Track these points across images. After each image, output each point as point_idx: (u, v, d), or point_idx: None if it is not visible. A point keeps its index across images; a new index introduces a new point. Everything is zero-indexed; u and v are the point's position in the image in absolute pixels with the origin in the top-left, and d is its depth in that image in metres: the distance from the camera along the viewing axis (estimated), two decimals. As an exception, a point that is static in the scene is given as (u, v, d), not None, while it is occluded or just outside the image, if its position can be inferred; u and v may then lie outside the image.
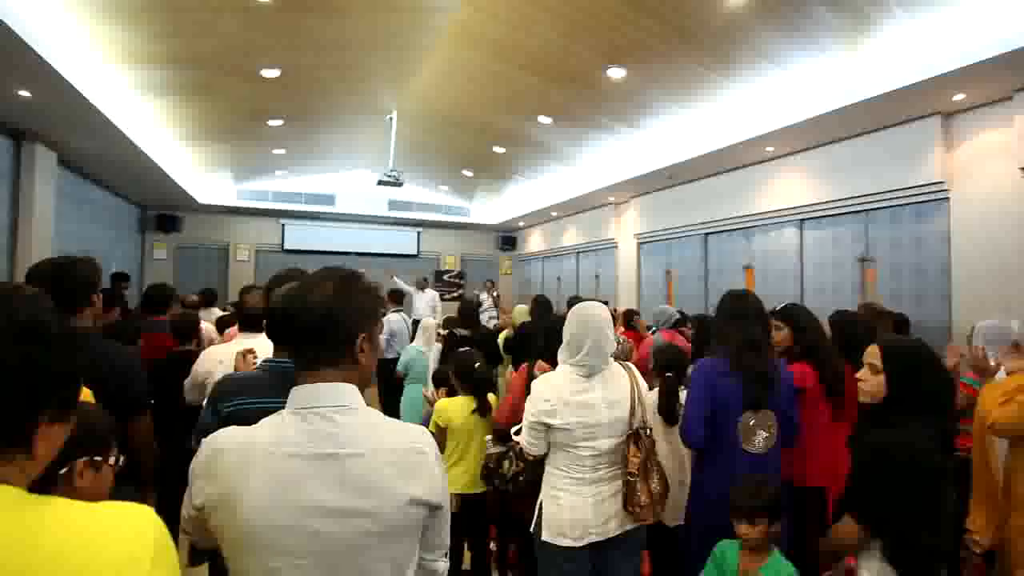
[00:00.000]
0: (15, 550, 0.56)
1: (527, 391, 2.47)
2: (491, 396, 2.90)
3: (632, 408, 1.98)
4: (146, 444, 1.87)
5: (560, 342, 2.23)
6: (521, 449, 2.32)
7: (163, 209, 10.66)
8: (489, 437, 2.62)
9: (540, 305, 4.73)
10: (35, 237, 5.95)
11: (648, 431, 2.00)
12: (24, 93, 4.71)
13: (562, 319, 2.87)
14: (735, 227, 7.10)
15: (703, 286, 7.64)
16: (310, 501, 0.90)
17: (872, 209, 5.40)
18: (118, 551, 0.60)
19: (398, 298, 6.58)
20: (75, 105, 4.98)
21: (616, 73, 5.36)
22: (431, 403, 2.95)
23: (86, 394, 1.48)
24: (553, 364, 2.52)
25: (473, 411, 2.73)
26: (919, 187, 4.89)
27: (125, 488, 1.77)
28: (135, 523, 0.64)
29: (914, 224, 5.06)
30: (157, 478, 2.11)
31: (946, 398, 1.61)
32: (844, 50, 4.43)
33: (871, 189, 5.28)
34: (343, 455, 0.93)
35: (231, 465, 0.92)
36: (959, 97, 4.40)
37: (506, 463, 2.35)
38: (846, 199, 5.57)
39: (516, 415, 2.49)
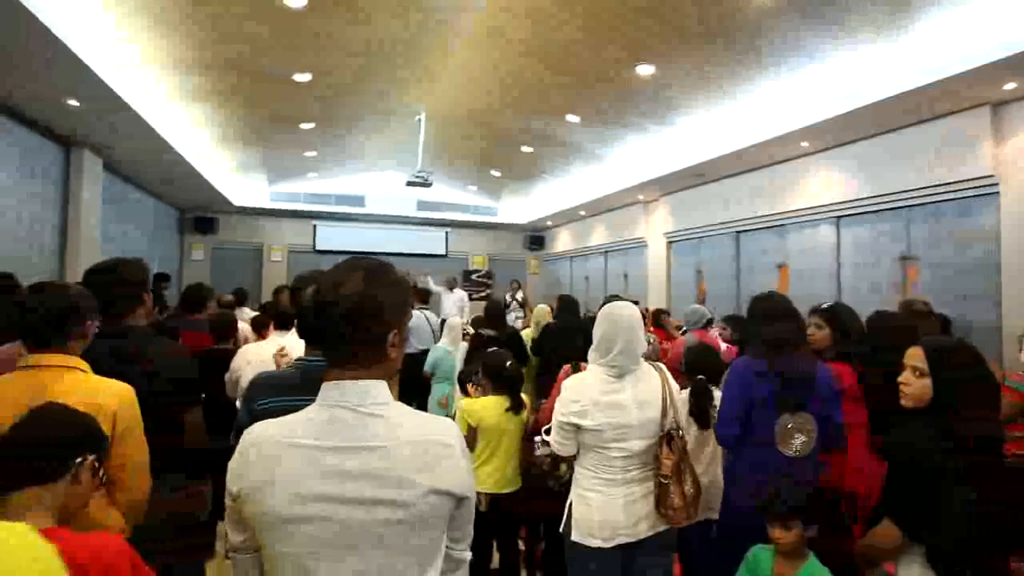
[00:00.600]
0: None
1: None
2: (523, 396, 2.90)
3: (664, 409, 1.95)
4: (194, 442, 1.93)
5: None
6: None
7: (200, 211, 11.01)
8: (539, 438, 2.61)
9: (564, 305, 4.68)
10: (83, 238, 6.22)
11: (680, 432, 1.97)
12: (73, 102, 4.93)
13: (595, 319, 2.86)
14: (768, 225, 6.94)
15: (735, 285, 7.49)
16: (335, 492, 0.92)
17: (914, 205, 5.19)
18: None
19: (424, 297, 6.65)
20: (120, 112, 5.19)
21: (645, 70, 5.29)
22: (444, 406, 2.94)
23: (121, 390, 1.52)
24: None
25: (507, 409, 2.73)
26: (967, 181, 4.68)
27: (173, 477, 1.85)
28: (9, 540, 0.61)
29: (960, 220, 4.85)
30: (204, 470, 2.18)
31: (950, 398, 1.52)
32: (884, 40, 4.27)
33: (913, 184, 5.09)
34: (367, 447, 0.95)
35: (260, 457, 0.95)
36: (1010, 86, 4.19)
37: (563, 466, 2.34)
38: (886, 195, 5.37)
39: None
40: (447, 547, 1.06)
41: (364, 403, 0.97)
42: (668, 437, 1.92)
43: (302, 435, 0.96)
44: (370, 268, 1.02)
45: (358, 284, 0.99)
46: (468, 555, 1.11)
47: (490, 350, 3.12)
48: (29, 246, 5.51)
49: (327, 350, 1.03)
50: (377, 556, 0.93)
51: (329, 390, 0.99)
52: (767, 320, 2.18)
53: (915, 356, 1.61)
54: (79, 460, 1.17)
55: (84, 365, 1.51)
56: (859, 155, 5.65)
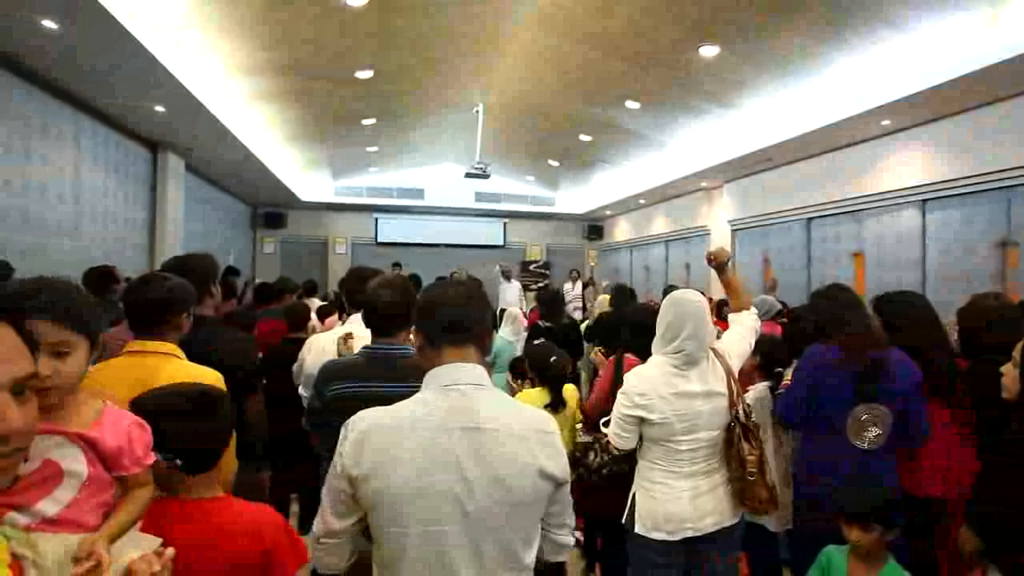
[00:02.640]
0: None
1: (615, 381, 2.44)
2: (571, 387, 2.86)
3: (731, 399, 1.88)
4: (254, 430, 2.03)
5: (645, 334, 2.17)
6: (607, 442, 2.29)
7: (271, 207, 11.60)
8: (579, 425, 2.60)
9: (619, 293, 4.59)
10: (168, 235, 6.71)
11: (753, 422, 1.91)
12: (160, 108, 5.31)
13: (645, 309, 2.80)
14: (843, 210, 6.52)
15: (806, 275, 7.11)
16: (455, 471, 0.99)
17: (1016, 185, 4.72)
18: None
19: None
20: (200, 117, 5.53)
21: (709, 51, 5.07)
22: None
23: (215, 377, 1.63)
24: (641, 356, 2.47)
25: (546, 406, 2.70)
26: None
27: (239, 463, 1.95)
28: None
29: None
30: (272, 454, 2.31)
31: None
32: (986, 5, 3.88)
33: (1015, 162, 4.62)
34: (482, 429, 1.02)
35: (381, 439, 1.01)
36: None
37: (591, 454, 2.33)
38: (981, 175, 4.91)
39: (604, 405, 2.47)
40: (550, 532, 1.12)
41: (475, 386, 1.06)
42: (746, 430, 1.86)
43: (422, 417, 1.02)
44: (474, 282, 1.19)
45: (468, 288, 1.15)
46: (571, 540, 1.17)
47: (536, 343, 3.11)
48: (123, 243, 6.00)
49: (448, 339, 1.11)
50: (492, 532, 0.99)
51: (441, 373, 1.07)
52: (836, 313, 2.10)
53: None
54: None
55: (180, 352, 1.63)
56: (949, 132, 5.20)
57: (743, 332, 2.11)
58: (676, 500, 1.84)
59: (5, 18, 3.52)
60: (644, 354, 2.51)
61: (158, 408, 1.14)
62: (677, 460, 1.86)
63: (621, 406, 1.91)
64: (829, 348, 2.07)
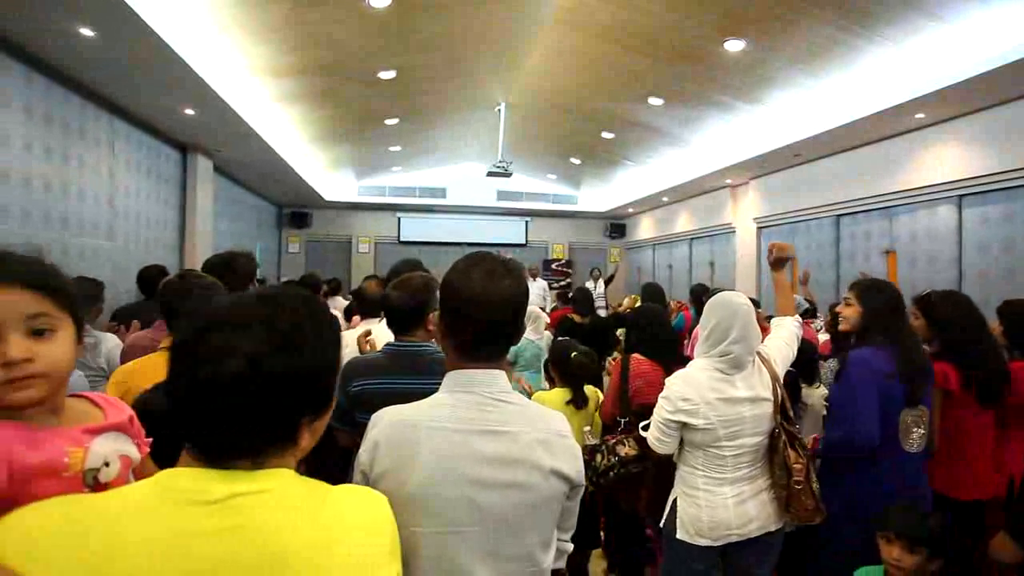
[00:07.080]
0: (312, 523, 0.66)
1: (622, 383, 2.43)
2: (590, 388, 2.84)
3: (776, 404, 1.85)
4: None
5: (647, 336, 2.14)
6: (615, 444, 2.28)
7: (296, 207, 11.80)
8: (587, 428, 2.59)
9: (648, 294, 4.59)
10: (198, 235, 6.87)
11: (798, 428, 1.87)
12: (190, 111, 5.44)
13: (648, 310, 2.80)
14: (874, 207, 6.35)
15: (835, 273, 6.94)
16: (472, 473, 0.98)
17: (1058, 180, 4.54)
18: (370, 530, 0.69)
19: None
20: (229, 119, 5.65)
21: (734, 46, 4.98)
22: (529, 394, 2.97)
23: None
24: (650, 358, 2.45)
25: (567, 402, 2.70)
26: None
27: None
28: (378, 508, 0.73)
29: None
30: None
31: None
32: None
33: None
34: (500, 432, 1.00)
35: (399, 439, 1.00)
36: None
37: (599, 456, 2.31)
38: (1020, 169, 4.73)
39: (615, 408, 2.46)
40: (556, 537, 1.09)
41: (493, 391, 1.03)
42: (791, 438, 1.81)
43: (440, 419, 1.01)
44: (513, 269, 1.07)
45: (514, 282, 1.04)
46: (570, 546, 1.15)
47: (557, 339, 3.10)
48: (155, 243, 6.17)
49: (475, 343, 1.04)
50: (510, 535, 0.98)
51: (459, 377, 1.04)
52: (891, 314, 2.01)
53: None
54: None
55: None
56: (987, 125, 5.01)
57: (787, 338, 2.05)
58: (720, 507, 1.81)
59: (45, 27, 3.65)
60: (653, 355, 2.50)
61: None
62: (720, 466, 1.82)
63: (663, 411, 1.87)
64: (878, 351, 1.97)
